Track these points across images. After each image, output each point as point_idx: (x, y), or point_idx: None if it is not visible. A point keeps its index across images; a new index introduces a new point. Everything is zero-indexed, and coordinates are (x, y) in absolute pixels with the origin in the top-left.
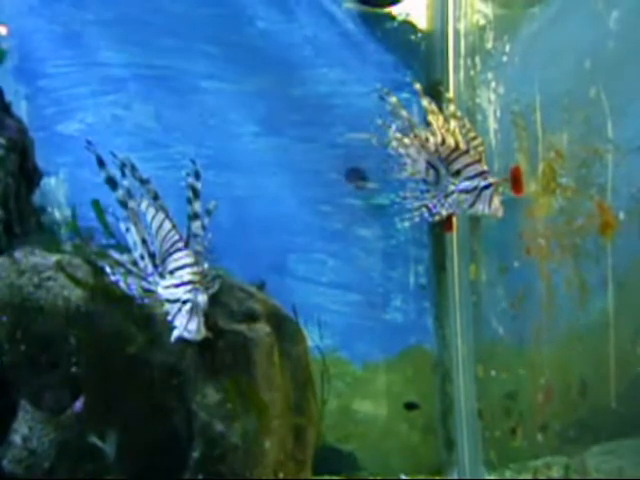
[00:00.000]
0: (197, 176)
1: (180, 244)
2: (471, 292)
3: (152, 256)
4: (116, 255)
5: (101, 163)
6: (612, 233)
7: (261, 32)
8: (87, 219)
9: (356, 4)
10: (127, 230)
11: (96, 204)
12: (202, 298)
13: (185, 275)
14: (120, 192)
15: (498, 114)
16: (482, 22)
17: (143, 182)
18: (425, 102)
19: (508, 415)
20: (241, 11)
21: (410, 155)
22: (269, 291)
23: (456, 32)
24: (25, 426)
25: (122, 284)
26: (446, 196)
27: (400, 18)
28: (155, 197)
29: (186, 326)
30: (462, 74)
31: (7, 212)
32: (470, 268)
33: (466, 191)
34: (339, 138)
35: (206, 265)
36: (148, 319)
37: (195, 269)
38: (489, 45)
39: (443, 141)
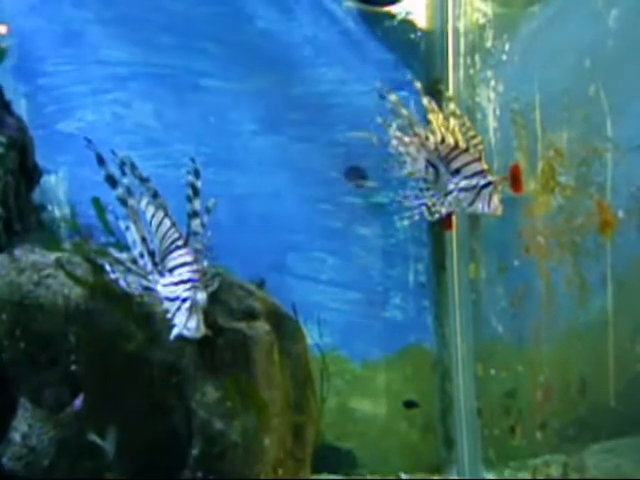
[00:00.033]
0: (197, 174)
1: (180, 242)
2: (470, 290)
3: (152, 254)
4: (116, 253)
5: (101, 161)
6: (611, 232)
7: (261, 31)
8: (87, 217)
9: (356, 3)
10: (127, 228)
11: (96, 202)
12: (201, 296)
13: (184, 273)
14: (120, 190)
15: (498, 112)
16: (482, 21)
17: (143, 180)
18: (425, 101)
19: (507, 413)
20: (241, 10)
21: (410, 153)
22: (269, 289)
23: (456, 31)
24: (24, 424)
25: (122, 282)
26: (445, 194)
27: (400, 17)
28: (155, 195)
29: (185, 324)
30: (462, 73)
31: (7, 210)
32: (469, 266)
33: (465, 189)
34: (339, 137)
35: (206, 263)
36: (148, 317)
37: (195, 267)
38: (489, 44)
39: (443, 139)
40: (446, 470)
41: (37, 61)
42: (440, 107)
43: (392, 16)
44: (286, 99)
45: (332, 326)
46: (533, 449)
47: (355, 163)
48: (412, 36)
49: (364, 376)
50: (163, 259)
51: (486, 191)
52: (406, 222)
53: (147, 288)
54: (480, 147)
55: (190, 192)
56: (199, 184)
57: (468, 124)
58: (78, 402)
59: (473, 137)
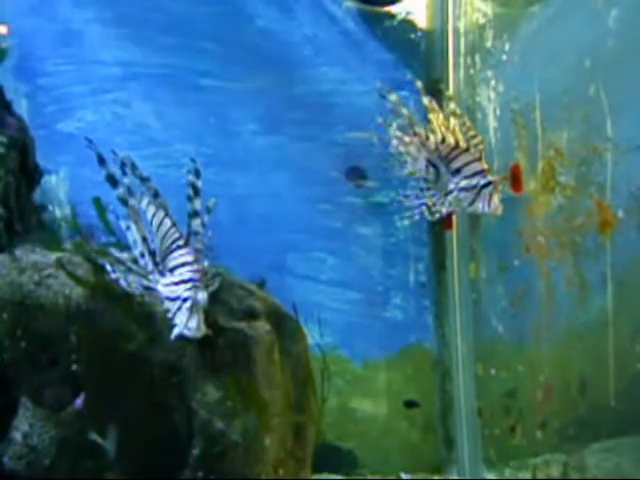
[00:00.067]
0: (197, 174)
1: (180, 242)
2: (471, 290)
3: (152, 254)
4: (116, 253)
5: (101, 161)
6: (611, 231)
7: (261, 30)
8: (87, 217)
9: (356, 3)
10: (127, 228)
11: (97, 202)
12: (202, 296)
13: (185, 273)
14: (120, 190)
15: (498, 112)
16: (482, 21)
17: (143, 180)
18: (425, 100)
19: (507, 413)
20: (241, 9)
21: (410, 153)
22: (269, 289)
23: (456, 31)
24: (25, 423)
25: (122, 282)
26: (446, 194)
27: (400, 17)
28: (155, 195)
29: (186, 324)
30: (462, 72)
31: (8, 210)
32: (470, 266)
33: (466, 189)
34: (339, 137)
35: (206, 263)
36: (148, 317)
37: (195, 267)
38: (489, 44)
39: (443, 139)
40: (446, 470)
41: (37, 61)
42: (440, 107)
43: (392, 16)
44: (286, 99)
45: (333, 326)
46: (533, 448)
47: (355, 163)
48: (412, 36)
49: (365, 376)
50: (164, 259)
51: (486, 191)
52: (406, 222)
53: (148, 288)
54: (480, 147)
55: (191, 192)
56: (199, 184)
57: (468, 124)
58: (79, 401)
59: (473, 137)
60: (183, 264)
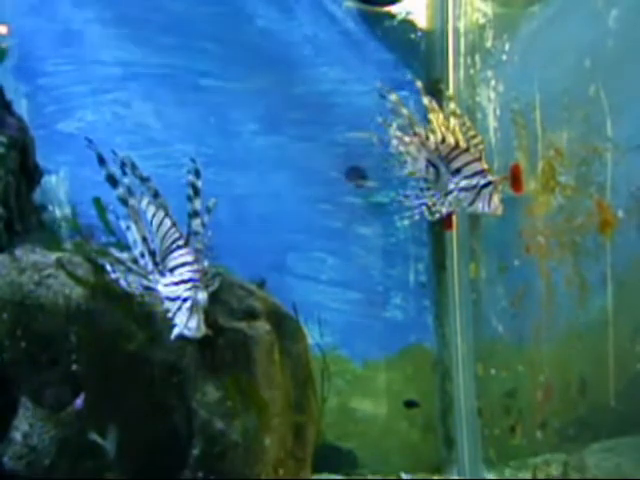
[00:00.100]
0: (197, 174)
1: (180, 242)
2: (471, 290)
3: (152, 254)
4: (116, 253)
5: (101, 161)
6: (611, 231)
7: (261, 30)
8: (87, 217)
9: (356, 3)
10: (127, 228)
11: (97, 202)
12: (202, 296)
13: (185, 273)
14: (120, 190)
15: (498, 112)
16: (482, 21)
17: (143, 180)
18: (425, 100)
19: (507, 413)
20: (241, 9)
21: (410, 153)
22: (269, 289)
23: (456, 31)
24: (25, 423)
25: (122, 282)
26: (446, 194)
27: (400, 17)
28: (155, 195)
29: (186, 324)
30: (462, 72)
31: (8, 210)
32: (470, 266)
33: (466, 189)
34: (339, 137)
35: (206, 263)
36: (148, 317)
37: (195, 267)
38: (489, 44)
39: (443, 139)
40: (446, 470)
41: (37, 61)
42: (440, 107)
43: (392, 16)
44: (286, 99)
45: (333, 326)
46: (533, 448)
47: (355, 163)
48: (412, 36)
49: (365, 376)
50: (164, 259)
51: (486, 191)
52: (406, 222)
53: (148, 288)
54: (480, 147)
55: (191, 192)
56: (199, 184)
57: (468, 124)
58: (79, 401)
59: (473, 137)
60: (183, 264)
